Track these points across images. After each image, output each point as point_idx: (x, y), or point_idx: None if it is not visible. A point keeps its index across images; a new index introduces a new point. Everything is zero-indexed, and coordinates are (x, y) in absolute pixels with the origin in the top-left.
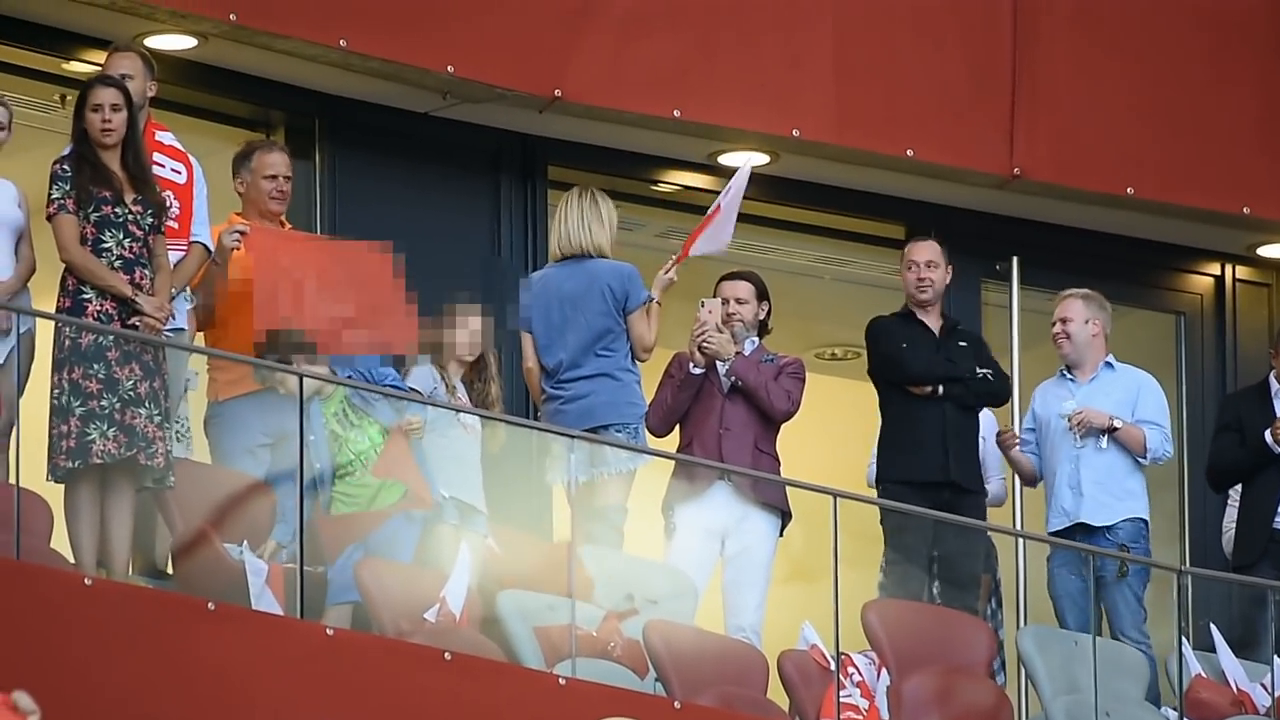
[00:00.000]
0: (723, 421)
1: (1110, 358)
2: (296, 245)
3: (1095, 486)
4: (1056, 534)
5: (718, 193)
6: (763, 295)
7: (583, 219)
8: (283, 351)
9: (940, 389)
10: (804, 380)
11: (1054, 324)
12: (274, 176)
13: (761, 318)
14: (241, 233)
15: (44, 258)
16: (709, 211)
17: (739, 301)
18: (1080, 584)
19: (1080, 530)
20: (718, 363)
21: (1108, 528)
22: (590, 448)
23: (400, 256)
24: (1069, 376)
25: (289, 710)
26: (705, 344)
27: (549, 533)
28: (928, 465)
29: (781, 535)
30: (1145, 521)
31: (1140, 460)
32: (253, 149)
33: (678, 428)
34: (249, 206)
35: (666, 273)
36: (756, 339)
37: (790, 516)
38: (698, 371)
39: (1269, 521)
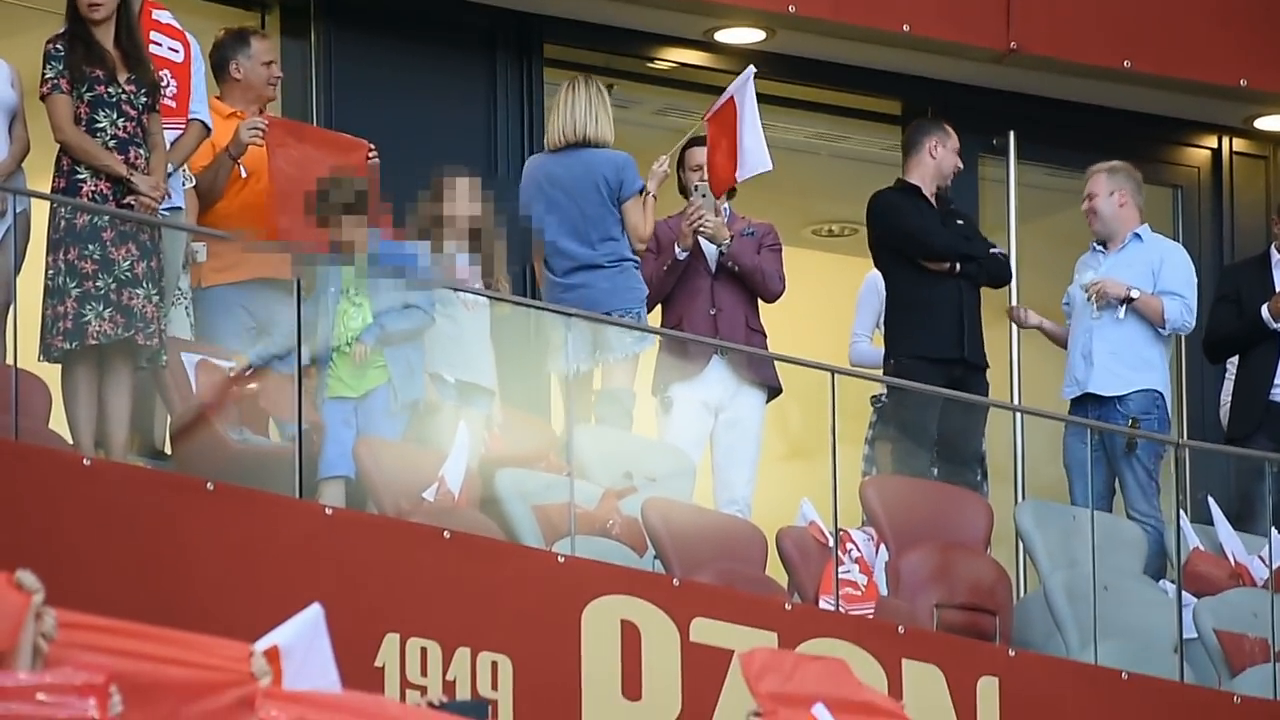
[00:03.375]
0: (714, 302)
1: (1141, 229)
2: (305, 139)
3: (1109, 356)
4: (1070, 404)
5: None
6: None
7: (590, 107)
8: (332, 210)
9: (959, 266)
10: (781, 249)
11: (1083, 200)
12: (270, 63)
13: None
14: (260, 128)
15: (39, 138)
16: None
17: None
18: (1088, 455)
19: (1091, 400)
20: (706, 245)
21: (1119, 399)
22: (593, 333)
23: (373, 160)
24: (1099, 249)
25: (288, 589)
26: (702, 227)
27: (550, 415)
28: (943, 341)
29: (768, 404)
30: (1159, 393)
31: (1160, 331)
32: (246, 34)
33: (659, 307)
34: (243, 92)
35: (661, 166)
36: (727, 206)
37: (779, 391)
38: (683, 255)
39: (1264, 393)
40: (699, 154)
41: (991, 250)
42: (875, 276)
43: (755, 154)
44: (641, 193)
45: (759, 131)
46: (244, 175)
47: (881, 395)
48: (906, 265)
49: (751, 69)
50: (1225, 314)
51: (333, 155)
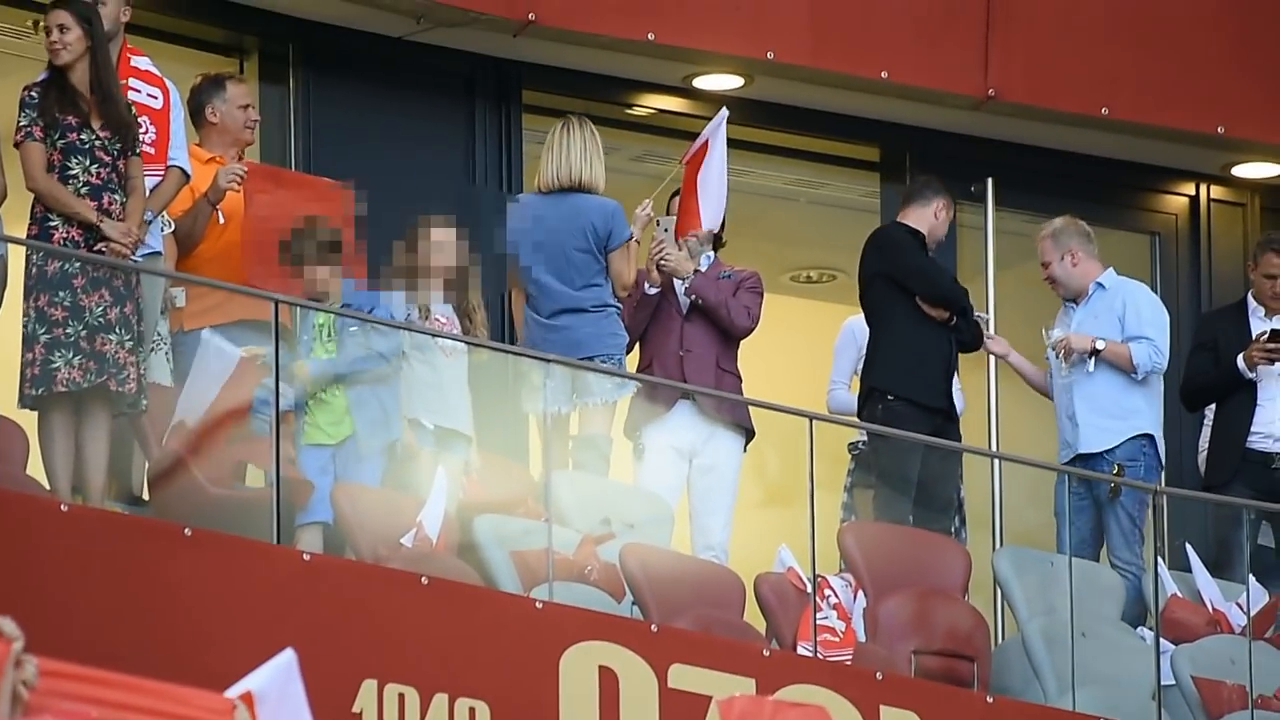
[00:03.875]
0: (683, 343)
1: (1104, 275)
2: (284, 185)
3: (1091, 413)
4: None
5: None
6: None
7: (585, 151)
8: (307, 254)
9: (955, 319)
10: (762, 294)
11: (1041, 269)
12: (247, 106)
13: (715, 231)
14: (239, 174)
15: (16, 185)
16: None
17: None
18: (1074, 502)
19: (1086, 457)
20: (676, 281)
21: (1109, 450)
22: (573, 379)
23: (360, 193)
24: (1069, 304)
25: (265, 636)
26: (663, 261)
27: (528, 460)
28: (933, 389)
29: (745, 451)
30: (1151, 437)
31: (1134, 377)
32: (222, 79)
33: (637, 348)
34: (220, 136)
35: (645, 210)
36: (712, 253)
37: (754, 434)
38: (653, 291)
39: (1241, 441)
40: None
41: (977, 314)
42: (853, 323)
43: (715, 206)
44: (627, 241)
45: (724, 182)
46: (222, 221)
47: (860, 442)
48: (906, 304)
49: (725, 111)
50: (1202, 362)
51: (311, 200)
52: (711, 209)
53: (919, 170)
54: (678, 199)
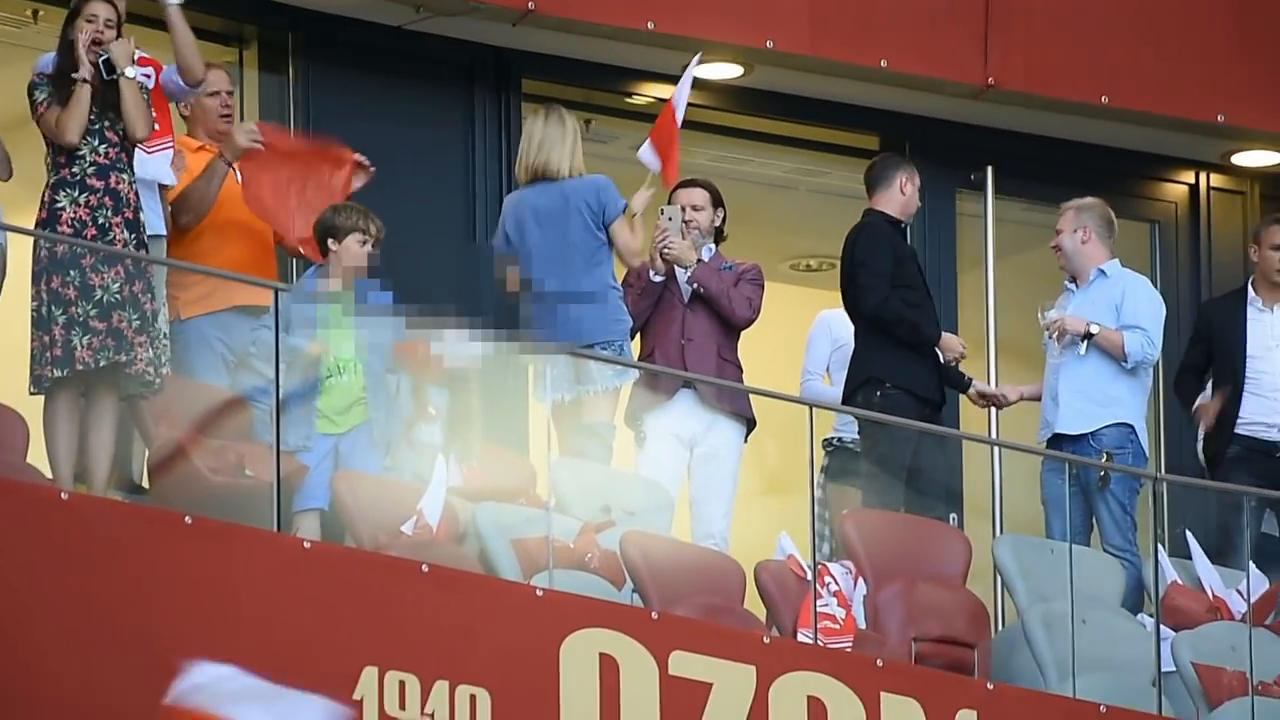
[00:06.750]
0: (685, 332)
1: (1108, 264)
2: (293, 153)
3: (1074, 395)
4: (1047, 444)
5: (692, 105)
6: (718, 202)
7: (564, 139)
8: (340, 233)
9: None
10: (763, 286)
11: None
12: (217, 93)
13: (717, 224)
14: (256, 134)
15: (22, 172)
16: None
17: (695, 208)
18: (1062, 490)
19: (1065, 439)
20: (678, 270)
21: (1091, 435)
22: (575, 365)
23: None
24: (1070, 285)
25: (266, 624)
26: (666, 250)
27: (528, 448)
28: (928, 382)
29: (746, 441)
30: (1132, 427)
31: (1123, 365)
32: None
33: (638, 337)
34: (196, 127)
35: (649, 190)
36: (713, 246)
37: (754, 424)
38: (658, 279)
39: (1231, 427)
40: (695, 194)
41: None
42: (827, 315)
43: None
44: (625, 212)
45: (675, 128)
46: (240, 180)
47: (834, 439)
48: (897, 296)
49: (698, 56)
50: (1197, 355)
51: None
52: (648, 158)
53: (919, 159)
54: (680, 190)
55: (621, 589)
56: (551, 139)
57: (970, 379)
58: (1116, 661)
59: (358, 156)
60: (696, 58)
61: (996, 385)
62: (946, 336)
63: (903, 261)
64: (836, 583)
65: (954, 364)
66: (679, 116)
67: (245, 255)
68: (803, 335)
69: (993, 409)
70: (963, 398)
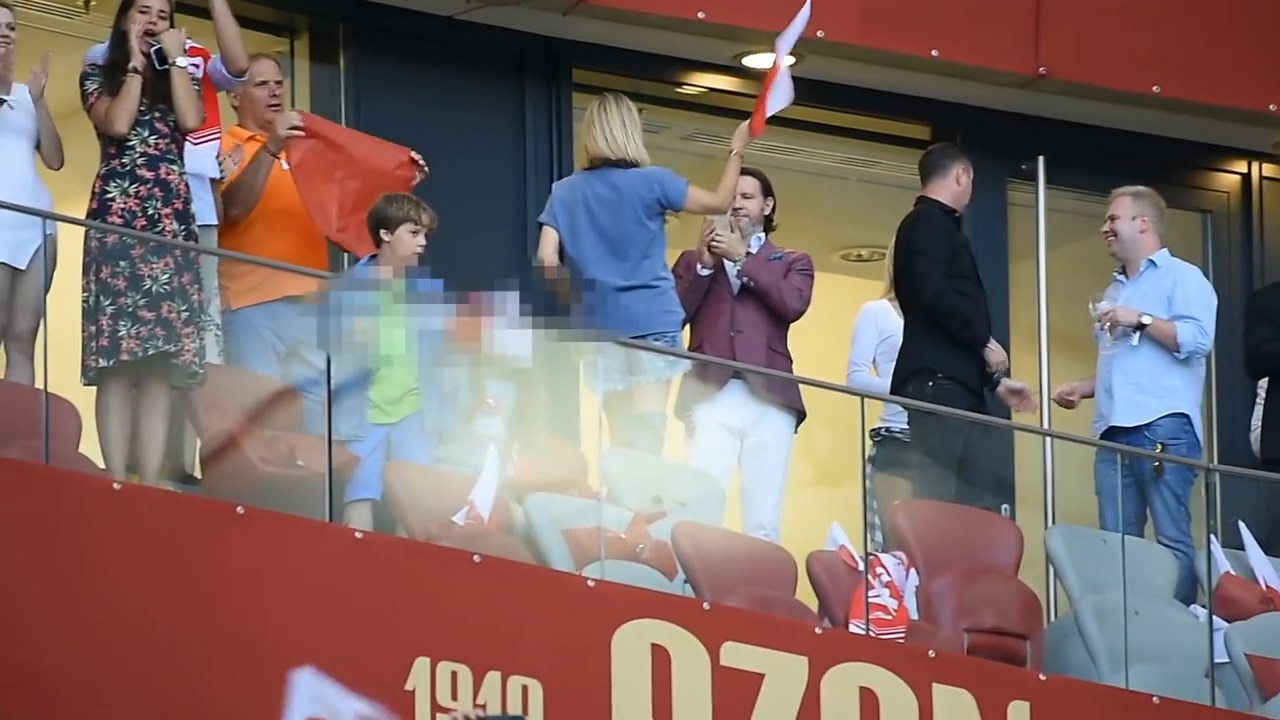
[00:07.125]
0: (734, 324)
1: (1158, 254)
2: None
3: (1128, 387)
4: (1102, 437)
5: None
6: (768, 191)
7: (625, 127)
8: (393, 223)
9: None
10: (813, 276)
11: (1105, 222)
12: (265, 82)
13: (767, 213)
14: (298, 124)
15: (75, 161)
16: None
17: (745, 196)
18: (1116, 480)
19: (1120, 431)
20: (728, 263)
21: (1146, 426)
22: (626, 356)
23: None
24: (1119, 276)
25: (317, 614)
26: (715, 243)
27: (579, 438)
28: (975, 374)
29: (795, 432)
30: (1187, 417)
31: (1176, 356)
32: None
33: (687, 329)
34: (245, 117)
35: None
36: (763, 235)
37: (805, 415)
38: (705, 273)
39: None
40: (745, 183)
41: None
42: (872, 307)
43: (783, 93)
44: (687, 189)
45: (788, 72)
46: (285, 167)
47: (882, 429)
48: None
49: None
50: (1262, 331)
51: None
52: (779, 97)
53: (970, 149)
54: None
55: (673, 579)
56: (614, 126)
57: (999, 377)
58: (1169, 653)
59: (414, 154)
60: (807, 5)
61: (1048, 379)
62: (993, 347)
63: (958, 251)
64: (889, 573)
65: (994, 375)
66: (783, 66)
67: (296, 245)
68: (852, 326)
69: (1015, 403)
70: None
